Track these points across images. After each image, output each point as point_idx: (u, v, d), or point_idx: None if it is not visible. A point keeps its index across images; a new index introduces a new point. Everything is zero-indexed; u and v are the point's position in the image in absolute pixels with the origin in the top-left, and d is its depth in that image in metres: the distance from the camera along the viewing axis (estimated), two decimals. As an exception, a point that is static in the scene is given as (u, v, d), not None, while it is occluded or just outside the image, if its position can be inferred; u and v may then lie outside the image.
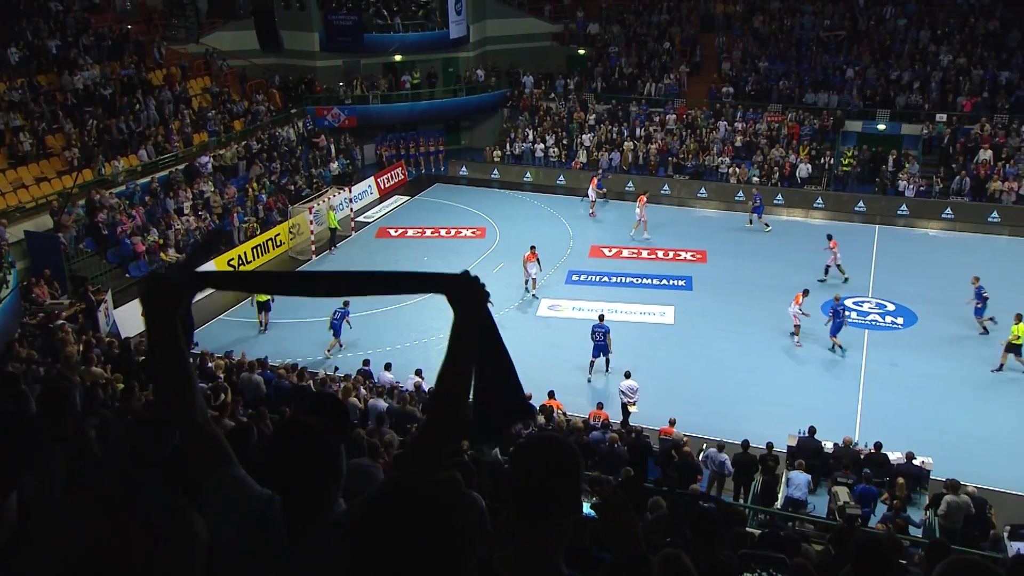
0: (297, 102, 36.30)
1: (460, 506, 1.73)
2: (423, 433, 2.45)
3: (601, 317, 20.35)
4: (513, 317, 23.26)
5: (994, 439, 17.12)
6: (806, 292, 21.70)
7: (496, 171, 36.38)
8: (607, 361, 19.87)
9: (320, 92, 37.02)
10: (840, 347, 20.83)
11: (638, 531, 2.45)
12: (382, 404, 15.50)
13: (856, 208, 31.67)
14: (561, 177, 35.47)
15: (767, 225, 29.86)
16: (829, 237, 25.28)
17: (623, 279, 25.80)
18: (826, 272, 25.04)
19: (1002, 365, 19.51)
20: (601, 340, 19.68)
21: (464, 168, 37.11)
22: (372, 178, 34.79)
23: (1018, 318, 19.57)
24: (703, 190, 33.72)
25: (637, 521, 2.53)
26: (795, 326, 21.21)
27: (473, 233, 30.03)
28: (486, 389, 2.57)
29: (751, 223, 29.96)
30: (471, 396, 2.52)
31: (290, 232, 29.02)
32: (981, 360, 20.34)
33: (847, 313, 21.08)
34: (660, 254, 27.83)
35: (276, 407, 13.08)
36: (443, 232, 30.12)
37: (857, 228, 28.75)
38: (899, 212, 31.14)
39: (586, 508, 3.75)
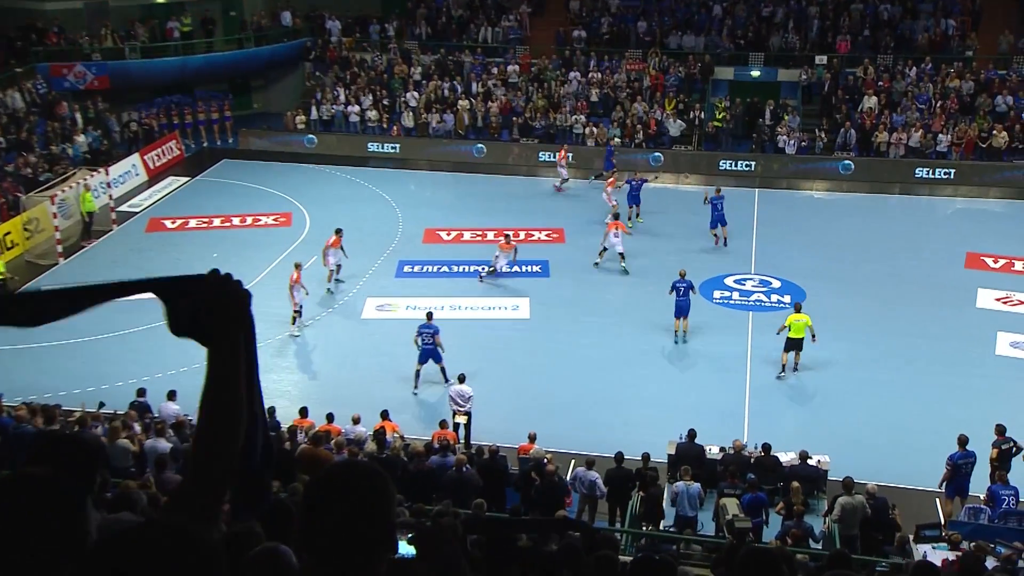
0: (22, 58, 34.17)
1: (182, 562, 1.78)
2: (187, 480, 2.42)
3: (429, 315, 20.43)
4: (332, 323, 22.98)
5: (898, 429, 18.41)
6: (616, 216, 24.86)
7: (302, 140, 35.71)
8: (443, 369, 19.89)
9: (55, 44, 35.04)
10: (679, 332, 21.73)
11: (464, 571, 2.46)
12: (163, 444, 14.78)
13: (729, 168, 33.36)
14: (385, 145, 35.24)
15: (607, 180, 30.53)
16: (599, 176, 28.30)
17: (467, 268, 25.90)
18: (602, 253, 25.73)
19: (784, 367, 20.10)
20: (429, 343, 19.63)
21: (259, 139, 36.15)
22: (137, 155, 33.21)
23: (798, 307, 20.16)
24: (555, 155, 34.39)
25: (462, 559, 2.52)
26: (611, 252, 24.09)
27: (276, 220, 29.37)
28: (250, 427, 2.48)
29: (594, 178, 31.32)
30: (244, 428, 2.43)
31: (25, 230, 27.17)
32: (882, 339, 21.88)
33: (686, 290, 21.75)
34: (509, 235, 28.10)
35: (17, 461, 12.13)
36: (236, 221, 29.26)
37: (734, 193, 30.20)
38: (781, 172, 33.09)
39: (404, 548, 3.69)
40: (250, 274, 24.67)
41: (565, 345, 21.77)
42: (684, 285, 21.64)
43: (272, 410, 16.20)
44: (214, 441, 2.35)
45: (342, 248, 23.98)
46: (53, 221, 26.83)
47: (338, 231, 24.11)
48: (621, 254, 25.18)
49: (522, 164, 34.35)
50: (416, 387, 19.82)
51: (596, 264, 25.61)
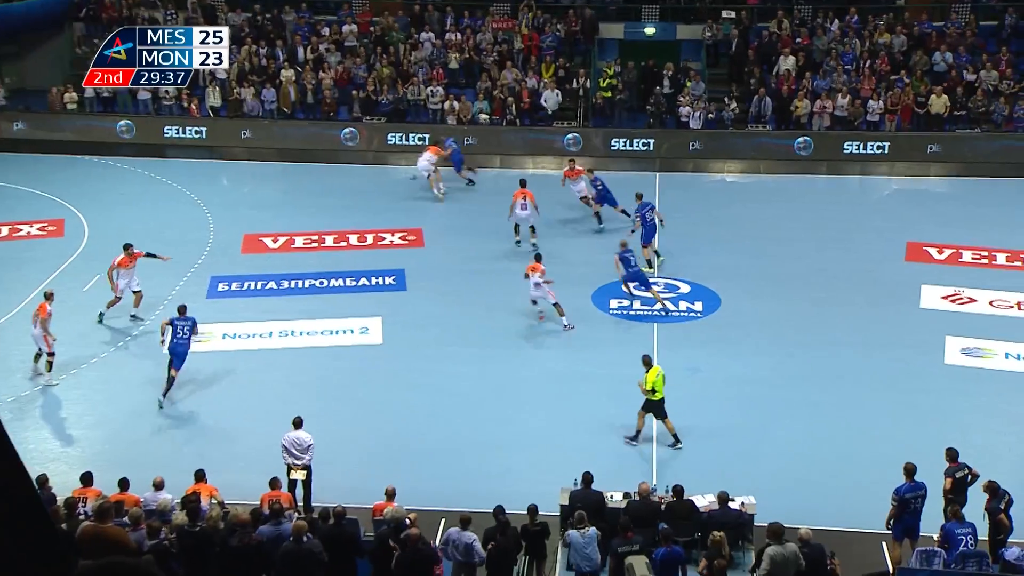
0: None
1: None
2: None
3: (182, 309, 21.15)
4: (124, 361, 22.45)
5: (834, 460, 18.95)
6: (539, 257, 23.98)
7: (73, 124, 34.70)
8: (170, 380, 20.39)
9: None
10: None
11: None
12: None
13: (622, 148, 33.99)
14: (187, 129, 34.60)
15: (470, 181, 31.63)
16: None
17: (301, 282, 25.75)
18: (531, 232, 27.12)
19: (638, 432, 19.63)
20: (184, 339, 20.52)
21: (15, 123, 34.98)
22: None
23: (648, 362, 19.26)
24: (409, 136, 34.38)
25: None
26: (542, 301, 23.34)
27: (42, 230, 28.64)
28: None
29: (469, 182, 31.63)
30: None
31: None
32: (811, 351, 22.61)
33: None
34: (354, 239, 27.98)
35: None
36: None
37: (630, 178, 30.80)
38: (686, 152, 33.90)
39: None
40: (10, 301, 23.91)
41: (428, 375, 21.75)
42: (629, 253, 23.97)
43: (44, 479, 15.59)
44: None
45: (134, 267, 23.41)
46: None
47: (127, 248, 23.46)
48: (532, 228, 26.91)
49: (366, 149, 34.17)
50: (162, 401, 20.53)
51: (517, 243, 27.02)
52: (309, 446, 17.57)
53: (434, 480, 18.15)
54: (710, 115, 34.39)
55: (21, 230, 28.62)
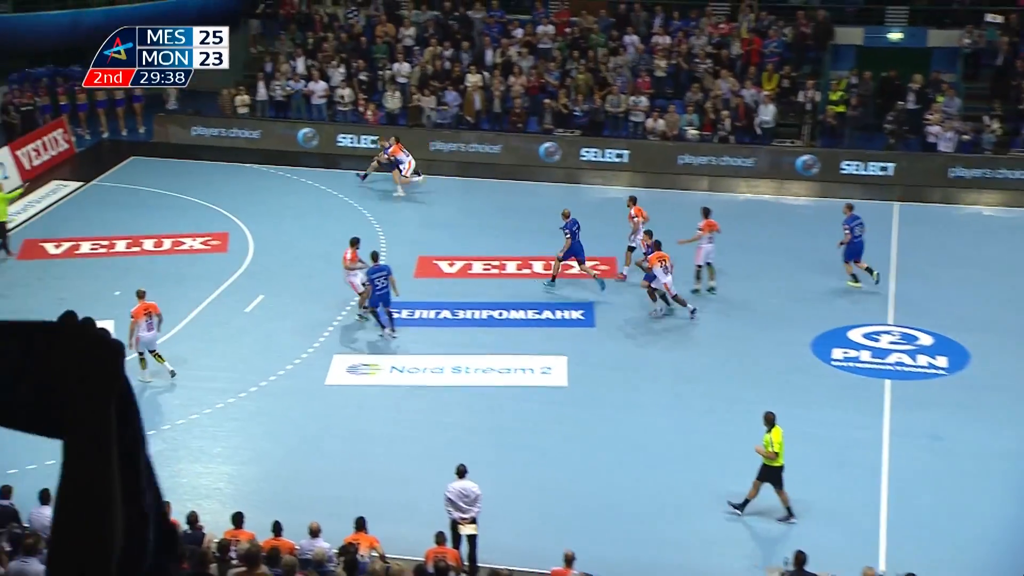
0: None
1: None
2: None
3: (375, 255, 24.88)
4: (282, 391, 23.07)
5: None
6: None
7: (244, 131, 36.05)
8: (390, 315, 23.56)
9: None
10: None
11: None
12: (36, 567, 14.91)
13: (854, 172, 33.39)
14: (362, 138, 35.57)
15: (419, 175, 32.49)
16: (707, 212, 26.86)
17: (478, 313, 26.03)
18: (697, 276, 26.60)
19: (747, 502, 19.04)
20: (383, 287, 24.10)
21: (182, 128, 36.51)
22: (7, 150, 33.74)
23: (770, 420, 18.90)
24: (605, 152, 34.58)
25: None
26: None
27: (206, 244, 29.67)
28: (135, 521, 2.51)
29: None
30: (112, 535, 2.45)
31: None
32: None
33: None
34: (539, 266, 28.18)
35: None
36: (149, 244, 29.57)
37: (862, 208, 30.18)
38: (933, 179, 33.04)
39: None
40: (169, 320, 24.85)
41: (616, 425, 21.72)
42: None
43: (194, 517, 16.25)
44: (73, 565, 2.31)
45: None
46: None
47: (354, 242, 25.50)
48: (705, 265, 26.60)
49: (557, 166, 34.51)
50: (393, 332, 24.40)
51: (696, 291, 26.56)
52: (477, 497, 17.73)
53: (619, 546, 18.11)
54: (965, 136, 33.46)
55: (184, 243, 29.72)
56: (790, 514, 18.95)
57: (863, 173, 33.44)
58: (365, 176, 32.85)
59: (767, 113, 34.51)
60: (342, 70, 36.98)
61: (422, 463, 20.25)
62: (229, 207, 31.60)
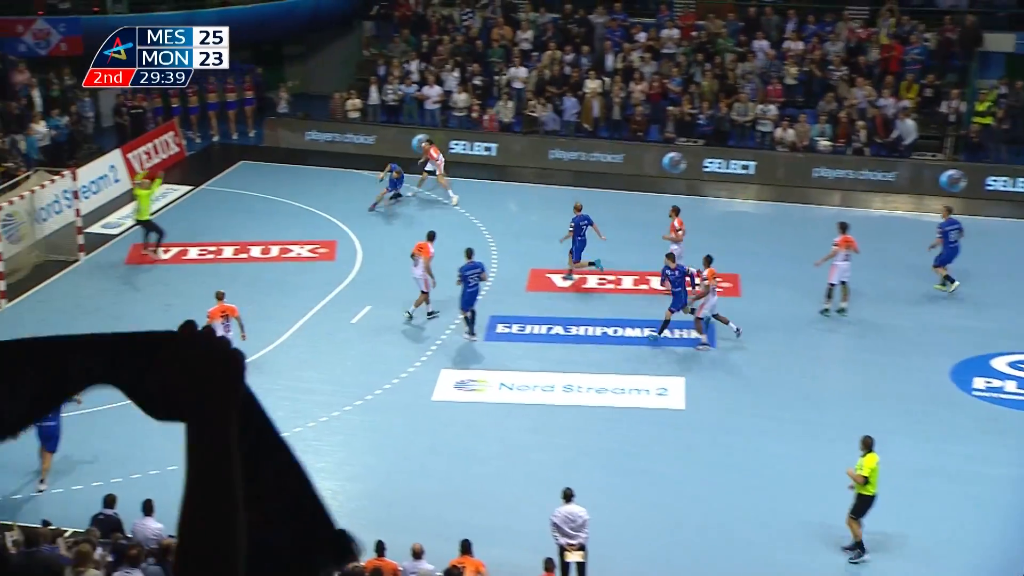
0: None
1: None
2: None
3: (469, 253, 25.46)
4: (386, 405, 23.37)
5: None
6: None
7: (359, 136, 36.70)
8: (470, 318, 24.96)
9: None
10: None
11: None
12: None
13: (1002, 189, 32.88)
14: (475, 145, 35.92)
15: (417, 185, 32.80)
16: (844, 227, 26.48)
17: (592, 329, 26.14)
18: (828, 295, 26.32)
19: (859, 543, 18.84)
20: (474, 285, 24.73)
21: (293, 132, 37.22)
22: (118, 152, 34.60)
23: (868, 445, 18.81)
24: (730, 164, 34.47)
25: None
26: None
27: (313, 252, 30.21)
28: (274, 521, 2.65)
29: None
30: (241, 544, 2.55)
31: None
32: None
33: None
34: (656, 282, 27.98)
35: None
36: (256, 252, 30.21)
37: (1006, 227, 29.79)
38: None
39: None
40: (274, 330, 25.29)
41: (736, 452, 21.64)
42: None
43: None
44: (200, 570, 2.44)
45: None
46: (-7, 247, 28.05)
47: (431, 236, 26.28)
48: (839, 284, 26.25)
49: (679, 177, 34.50)
50: (472, 333, 25.01)
51: (826, 311, 26.41)
52: (584, 522, 17.76)
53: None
54: None
55: (292, 251, 30.31)
56: (860, 549, 18.67)
57: (1011, 190, 32.89)
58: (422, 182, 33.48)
59: (907, 124, 34.06)
60: (456, 74, 37.32)
61: (529, 485, 20.40)
62: (338, 214, 32.11)
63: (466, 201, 32.97)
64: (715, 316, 25.04)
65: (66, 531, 17.34)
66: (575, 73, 36.93)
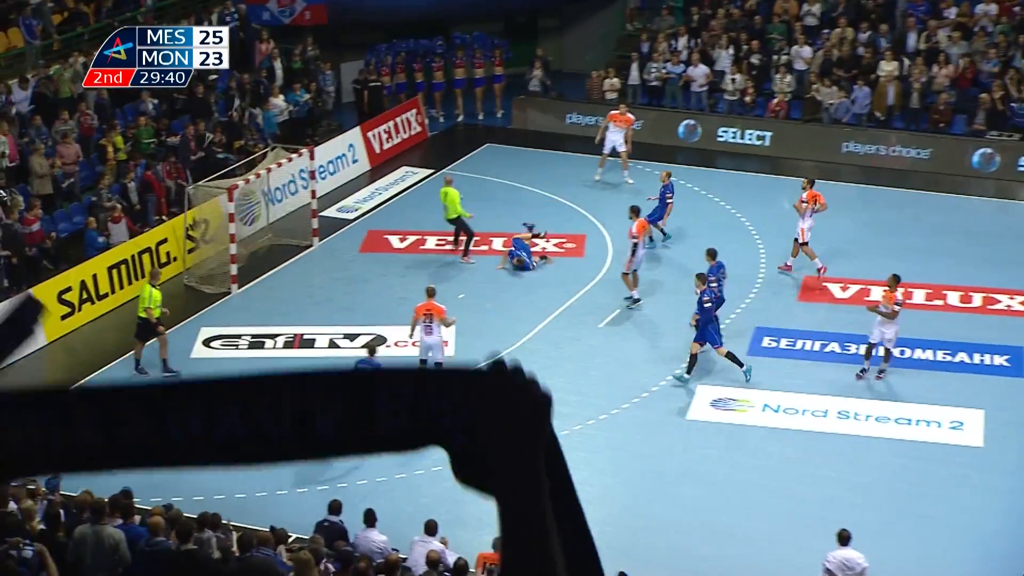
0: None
1: None
2: None
3: (712, 253, 25.43)
4: (637, 420, 23.52)
5: None
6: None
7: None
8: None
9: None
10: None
11: None
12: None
13: None
14: (747, 133, 35.81)
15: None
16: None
17: (872, 349, 25.74)
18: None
19: None
20: (719, 287, 24.44)
21: (544, 113, 37.72)
22: (357, 131, 35.65)
23: None
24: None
25: None
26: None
27: (560, 247, 30.55)
28: None
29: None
30: None
31: (189, 237, 29.77)
32: None
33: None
34: (953, 297, 27.67)
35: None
36: (499, 244, 30.65)
37: None
38: None
39: None
40: (514, 330, 25.63)
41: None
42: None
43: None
44: None
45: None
46: (229, 228, 29.22)
47: (635, 210, 27.25)
48: None
49: (989, 176, 33.80)
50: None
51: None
52: (864, 570, 17.54)
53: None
54: None
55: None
56: None
57: None
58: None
59: None
60: (730, 52, 37.18)
61: (793, 522, 20.36)
62: (589, 206, 32.39)
63: (731, 194, 32.91)
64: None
65: (290, 536, 17.93)
66: (868, 54, 36.33)
